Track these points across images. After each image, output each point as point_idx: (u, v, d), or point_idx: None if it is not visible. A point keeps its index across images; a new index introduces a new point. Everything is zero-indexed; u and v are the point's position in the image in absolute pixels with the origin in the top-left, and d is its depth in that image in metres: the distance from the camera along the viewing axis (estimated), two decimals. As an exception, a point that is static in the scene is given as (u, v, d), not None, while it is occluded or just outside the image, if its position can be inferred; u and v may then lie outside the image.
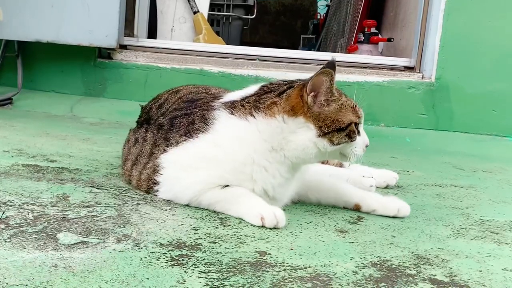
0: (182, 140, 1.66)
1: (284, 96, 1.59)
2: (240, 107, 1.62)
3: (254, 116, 1.59)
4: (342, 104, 1.60)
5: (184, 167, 1.64)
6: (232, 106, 1.64)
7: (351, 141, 1.60)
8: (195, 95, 1.93)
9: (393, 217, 1.73)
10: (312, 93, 1.55)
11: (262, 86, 1.67)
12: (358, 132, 1.62)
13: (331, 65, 1.58)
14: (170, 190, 1.68)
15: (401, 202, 1.77)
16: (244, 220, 1.56)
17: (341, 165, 2.21)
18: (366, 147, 1.65)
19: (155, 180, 1.71)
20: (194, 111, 1.73)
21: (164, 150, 1.69)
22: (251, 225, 1.53)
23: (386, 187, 2.18)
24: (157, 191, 1.71)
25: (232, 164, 1.59)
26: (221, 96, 1.76)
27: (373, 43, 4.91)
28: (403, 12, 4.76)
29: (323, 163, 2.20)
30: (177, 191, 1.66)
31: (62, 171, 2.01)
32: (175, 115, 1.78)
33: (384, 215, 1.74)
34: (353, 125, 1.59)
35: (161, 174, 1.69)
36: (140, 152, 1.81)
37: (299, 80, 1.65)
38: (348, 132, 1.59)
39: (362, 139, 1.64)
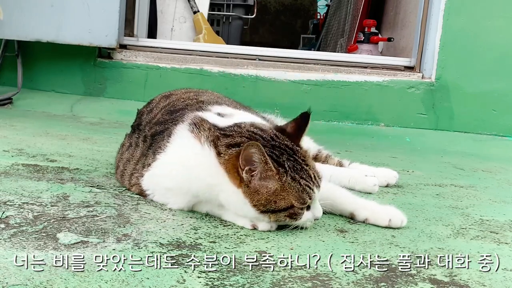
0: (156, 161, 1.62)
1: (228, 154, 1.45)
2: (204, 129, 1.52)
3: (208, 147, 1.48)
4: (282, 185, 1.41)
5: (164, 189, 1.62)
6: (195, 124, 1.54)
7: (295, 220, 1.46)
8: (183, 101, 1.86)
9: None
10: (247, 167, 1.40)
11: (234, 124, 1.54)
12: (308, 207, 1.47)
13: (304, 117, 1.49)
14: (162, 201, 1.66)
15: (397, 213, 1.65)
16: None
17: (340, 164, 2.20)
18: (315, 220, 1.51)
19: (147, 194, 1.70)
20: (169, 126, 1.67)
21: (149, 166, 1.65)
22: (251, 225, 1.53)
23: (386, 186, 2.17)
24: (151, 200, 1.70)
25: (195, 186, 1.53)
26: (205, 108, 1.71)
27: (373, 42, 4.91)
28: (403, 11, 4.76)
29: (323, 162, 2.20)
30: (168, 204, 1.64)
31: (62, 170, 2.01)
32: (156, 131, 1.73)
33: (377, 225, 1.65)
34: (296, 208, 1.43)
35: (148, 194, 1.68)
36: (127, 161, 1.80)
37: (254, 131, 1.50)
38: (289, 214, 1.44)
39: (311, 214, 1.48)
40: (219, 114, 1.66)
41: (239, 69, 3.85)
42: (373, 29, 4.95)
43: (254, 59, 3.97)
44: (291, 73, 3.83)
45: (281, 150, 1.46)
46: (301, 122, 1.52)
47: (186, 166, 1.52)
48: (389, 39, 4.83)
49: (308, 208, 1.47)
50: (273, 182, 1.41)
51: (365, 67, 3.93)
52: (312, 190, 1.46)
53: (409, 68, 3.93)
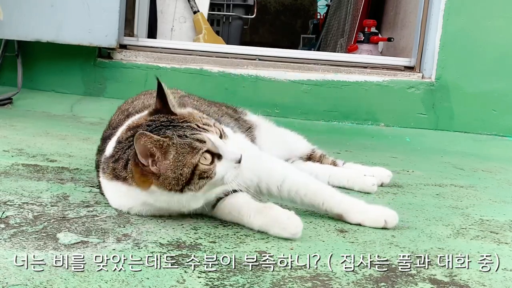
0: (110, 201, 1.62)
1: (129, 172, 1.44)
2: (107, 169, 1.53)
3: (117, 182, 1.50)
4: (176, 150, 1.39)
5: None
6: (103, 168, 1.56)
7: (211, 178, 1.41)
8: (116, 117, 1.82)
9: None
10: (149, 160, 1.38)
11: (116, 143, 1.52)
12: (219, 156, 1.42)
13: (158, 88, 1.46)
14: None
15: (389, 211, 1.61)
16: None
17: (335, 164, 2.19)
18: (239, 162, 1.44)
19: None
20: (98, 163, 1.66)
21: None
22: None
23: (381, 185, 2.16)
24: None
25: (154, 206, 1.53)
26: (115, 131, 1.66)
27: (373, 42, 4.91)
28: (403, 12, 4.76)
29: (317, 162, 2.19)
30: None
31: (62, 170, 2.01)
32: (97, 160, 1.72)
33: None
34: (199, 165, 1.39)
35: None
36: None
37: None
38: (198, 175, 1.40)
39: (227, 162, 1.43)
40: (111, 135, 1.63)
41: (239, 69, 3.85)
42: (373, 29, 4.95)
43: (254, 59, 3.97)
44: (291, 73, 3.83)
45: (160, 127, 1.43)
46: (160, 93, 1.48)
47: (124, 204, 1.55)
48: (389, 39, 4.83)
49: (220, 157, 1.42)
50: (169, 153, 1.38)
51: (365, 67, 3.93)
52: (199, 133, 1.42)
53: (409, 68, 3.93)
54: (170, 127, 1.43)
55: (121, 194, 1.52)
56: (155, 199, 1.45)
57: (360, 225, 1.60)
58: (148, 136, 1.36)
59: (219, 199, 1.55)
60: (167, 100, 1.48)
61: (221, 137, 1.48)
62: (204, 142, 1.41)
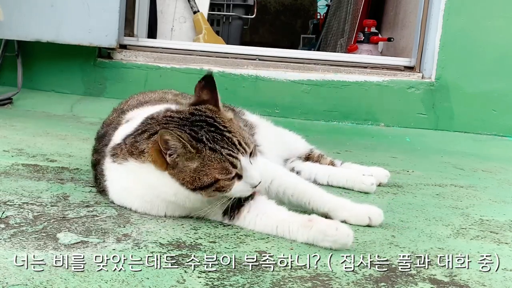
0: (113, 197, 1.62)
1: (150, 144, 1.44)
2: (120, 151, 1.52)
3: (129, 161, 1.48)
4: (203, 160, 1.39)
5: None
6: (114, 154, 1.53)
7: (225, 192, 1.42)
8: (112, 115, 1.83)
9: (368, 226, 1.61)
10: (168, 151, 1.39)
11: (145, 119, 1.52)
12: (240, 176, 1.43)
13: (207, 80, 1.50)
14: None
15: (374, 209, 1.62)
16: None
17: (333, 164, 2.19)
18: (255, 187, 1.46)
19: None
20: (100, 158, 1.65)
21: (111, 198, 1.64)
22: (251, 225, 1.53)
23: (379, 185, 2.15)
24: None
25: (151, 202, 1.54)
26: (121, 121, 1.67)
27: (373, 42, 4.91)
28: (403, 12, 4.76)
29: (315, 162, 2.19)
30: None
31: (62, 170, 2.01)
32: (94, 160, 1.72)
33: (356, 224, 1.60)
34: (221, 181, 1.40)
35: None
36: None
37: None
38: (216, 188, 1.41)
39: (242, 184, 1.43)
40: (127, 121, 1.64)
41: (239, 69, 3.85)
42: (373, 29, 4.95)
43: (254, 59, 3.97)
44: (291, 73, 3.84)
45: (201, 124, 1.43)
46: (209, 85, 1.52)
47: (129, 186, 1.54)
48: (389, 39, 4.83)
49: (240, 178, 1.43)
50: (194, 160, 1.39)
51: (365, 67, 3.93)
52: (236, 158, 1.41)
53: (409, 68, 3.93)
54: (211, 128, 1.42)
55: (129, 176, 1.50)
56: (164, 182, 1.43)
57: (345, 222, 1.57)
58: (174, 137, 1.36)
59: (235, 206, 1.52)
60: (217, 96, 1.50)
61: (251, 154, 1.46)
62: (236, 167, 1.41)
